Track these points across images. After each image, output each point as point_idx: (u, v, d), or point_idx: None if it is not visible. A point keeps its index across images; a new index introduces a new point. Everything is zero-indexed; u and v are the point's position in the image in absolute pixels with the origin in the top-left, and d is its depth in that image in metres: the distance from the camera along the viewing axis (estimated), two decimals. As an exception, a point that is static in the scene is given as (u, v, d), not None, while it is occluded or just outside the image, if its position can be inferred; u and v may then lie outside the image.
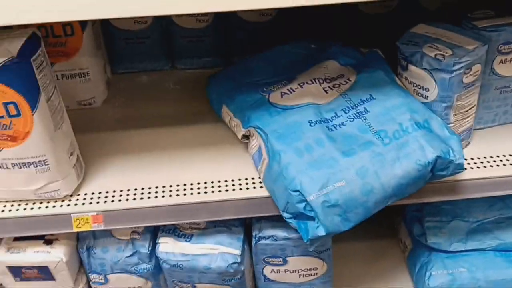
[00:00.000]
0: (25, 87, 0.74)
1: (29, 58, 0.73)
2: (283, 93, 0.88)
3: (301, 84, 0.88)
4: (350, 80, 0.88)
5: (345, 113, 0.82)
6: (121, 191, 0.87)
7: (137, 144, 0.99)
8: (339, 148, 0.77)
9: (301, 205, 0.75)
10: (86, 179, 0.90)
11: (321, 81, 0.89)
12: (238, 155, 0.93)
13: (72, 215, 0.85)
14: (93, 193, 0.87)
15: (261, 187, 0.86)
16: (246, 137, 0.90)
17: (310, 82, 0.89)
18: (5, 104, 0.74)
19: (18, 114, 0.75)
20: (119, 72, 1.20)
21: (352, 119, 0.81)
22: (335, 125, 0.81)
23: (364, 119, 0.81)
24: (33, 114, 0.75)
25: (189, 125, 1.03)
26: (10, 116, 0.75)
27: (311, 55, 0.99)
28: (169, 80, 1.19)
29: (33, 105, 0.75)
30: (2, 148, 0.78)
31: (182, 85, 1.17)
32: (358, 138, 0.79)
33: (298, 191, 0.75)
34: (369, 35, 1.06)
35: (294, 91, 0.87)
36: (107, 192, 0.87)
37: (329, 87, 0.87)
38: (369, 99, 0.84)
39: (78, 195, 0.87)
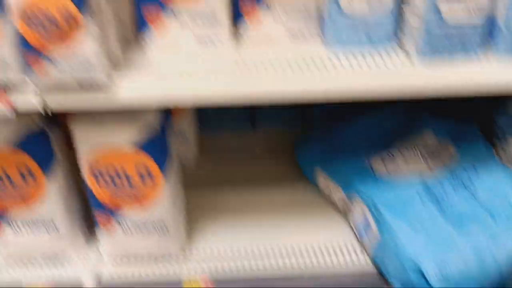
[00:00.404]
0: (160, 155, 0.79)
1: (166, 129, 0.79)
2: (385, 162, 0.92)
3: (403, 154, 0.92)
4: (451, 153, 0.92)
5: (453, 187, 0.85)
6: (226, 253, 0.91)
7: (232, 205, 1.03)
8: (452, 224, 0.80)
9: (416, 280, 0.77)
10: (191, 239, 0.94)
11: (422, 152, 0.93)
12: (336, 220, 0.97)
13: (183, 276, 0.88)
14: (200, 255, 0.91)
15: (363, 255, 0.89)
16: (345, 202, 0.94)
17: (411, 152, 0.93)
18: (140, 168, 0.78)
19: (149, 179, 0.79)
20: (204, 132, 1.26)
21: (461, 195, 0.84)
22: (445, 200, 0.84)
23: (473, 194, 0.84)
24: (162, 179, 0.80)
25: (280, 186, 1.07)
26: (141, 179, 0.79)
27: (404, 124, 1.03)
28: (253, 140, 1.23)
29: (164, 171, 0.80)
30: (125, 207, 0.82)
31: (266, 146, 1.21)
32: (470, 214, 0.82)
33: (414, 265, 0.77)
34: (455, 105, 1.10)
35: (396, 161, 0.91)
36: (212, 254, 0.91)
37: (431, 158, 0.91)
38: (474, 174, 0.87)
39: (187, 256, 0.91)
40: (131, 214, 0.83)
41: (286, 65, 0.73)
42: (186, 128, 1.10)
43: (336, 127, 1.07)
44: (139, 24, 0.75)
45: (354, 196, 0.90)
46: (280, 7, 0.76)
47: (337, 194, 0.95)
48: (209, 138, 1.24)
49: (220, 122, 1.26)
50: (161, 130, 0.77)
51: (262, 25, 0.77)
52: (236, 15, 0.77)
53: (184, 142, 1.11)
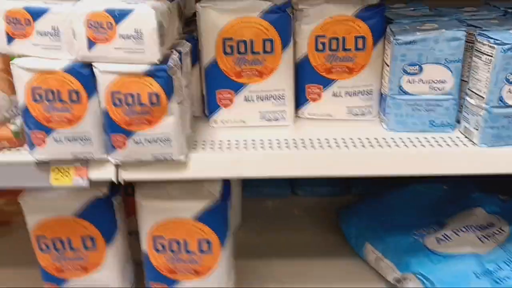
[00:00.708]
0: (220, 226, 0.80)
1: (226, 200, 0.80)
2: (439, 239, 0.92)
3: (455, 231, 0.93)
4: (503, 231, 0.92)
5: (508, 265, 0.85)
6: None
7: (276, 273, 1.02)
8: (510, 303, 0.80)
9: None
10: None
11: (473, 229, 0.93)
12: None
13: None
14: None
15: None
16: (397, 276, 0.93)
17: (464, 229, 0.93)
18: (201, 241, 0.80)
19: (209, 251, 0.81)
20: (245, 196, 1.27)
21: (515, 271, 0.84)
22: (500, 278, 0.83)
23: (527, 271, 0.84)
24: (221, 249, 0.81)
25: (325, 257, 1.06)
26: (201, 252, 0.81)
27: (447, 197, 1.04)
28: (292, 206, 1.24)
29: (223, 242, 0.81)
30: (182, 277, 0.83)
31: (306, 212, 1.22)
32: (526, 291, 0.81)
33: None
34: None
35: (450, 238, 0.92)
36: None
37: (483, 236, 0.92)
38: (527, 250, 0.87)
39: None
40: (188, 284, 0.83)
41: (348, 142, 0.75)
42: (234, 195, 1.12)
43: (379, 196, 1.08)
44: (209, 102, 0.79)
45: (408, 272, 0.90)
46: (341, 87, 0.80)
47: (389, 269, 0.94)
48: (251, 202, 1.26)
49: (261, 188, 1.28)
50: (222, 201, 0.79)
51: (324, 104, 0.81)
52: (300, 94, 0.81)
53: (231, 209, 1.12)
